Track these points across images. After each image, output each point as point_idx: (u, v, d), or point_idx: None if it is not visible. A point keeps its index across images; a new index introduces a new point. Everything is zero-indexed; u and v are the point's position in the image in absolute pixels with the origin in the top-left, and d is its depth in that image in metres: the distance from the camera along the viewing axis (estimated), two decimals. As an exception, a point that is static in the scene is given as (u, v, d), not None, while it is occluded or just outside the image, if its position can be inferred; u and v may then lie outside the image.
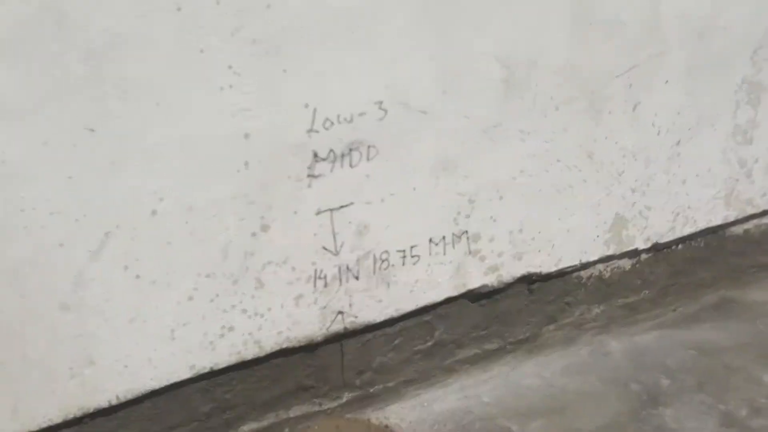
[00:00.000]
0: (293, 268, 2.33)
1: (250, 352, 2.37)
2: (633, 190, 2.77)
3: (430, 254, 2.54)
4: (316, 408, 2.59)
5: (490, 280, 2.68)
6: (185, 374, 2.28)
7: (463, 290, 2.66)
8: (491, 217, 2.58)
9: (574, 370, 2.83)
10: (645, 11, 2.53)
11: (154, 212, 2.05)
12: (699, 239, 2.99)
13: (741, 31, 2.71)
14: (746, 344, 2.89)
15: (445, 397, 2.73)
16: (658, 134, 2.72)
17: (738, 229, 3.05)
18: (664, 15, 2.57)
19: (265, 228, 2.24)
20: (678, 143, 2.76)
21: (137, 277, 2.09)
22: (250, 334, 2.35)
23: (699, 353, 2.86)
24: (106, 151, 1.92)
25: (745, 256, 3.08)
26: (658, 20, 2.57)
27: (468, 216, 2.54)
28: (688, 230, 2.93)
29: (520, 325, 2.82)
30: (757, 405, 2.63)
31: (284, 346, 2.42)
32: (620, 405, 2.69)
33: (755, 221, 3.05)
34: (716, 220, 2.96)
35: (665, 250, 2.95)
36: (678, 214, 2.88)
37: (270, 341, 2.39)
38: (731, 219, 2.99)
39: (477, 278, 2.66)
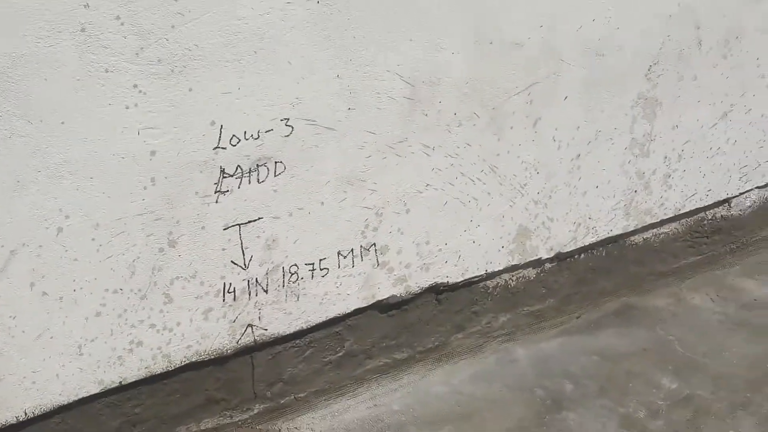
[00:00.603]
0: (202, 283, 2.38)
1: (159, 367, 2.41)
2: (536, 202, 2.87)
3: (338, 267, 2.61)
4: (227, 420, 2.62)
5: (399, 290, 2.76)
6: (94, 389, 2.31)
7: (372, 301, 2.73)
8: (398, 230, 2.66)
9: (482, 378, 2.91)
10: (543, 31, 2.65)
11: (60, 230, 2.09)
12: (601, 249, 3.11)
13: (635, 49, 2.84)
14: (646, 349, 3.01)
15: (356, 407, 2.79)
16: (559, 148, 2.83)
17: (638, 239, 3.18)
18: (561, 35, 2.68)
19: (172, 243, 2.28)
20: (578, 157, 2.88)
21: (44, 294, 2.12)
22: (158, 348, 2.38)
23: (601, 359, 2.97)
24: (10, 169, 1.95)
25: (644, 265, 3.20)
26: (556, 39, 2.68)
27: (375, 229, 2.62)
28: (589, 240, 3.04)
29: (428, 335, 2.90)
30: (656, 407, 2.75)
31: (194, 359, 2.46)
32: (525, 410, 2.78)
33: (654, 230, 3.19)
34: (616, 230, 3.09)
35: (568, 259, 3.06)
36: (579, 224, 3.00)
37: (179, 355, 2.43)
38: (631, 229, 3.11)
39: (386, 289, 2.73)
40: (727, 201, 3.30)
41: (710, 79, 3.03)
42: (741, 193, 3.29)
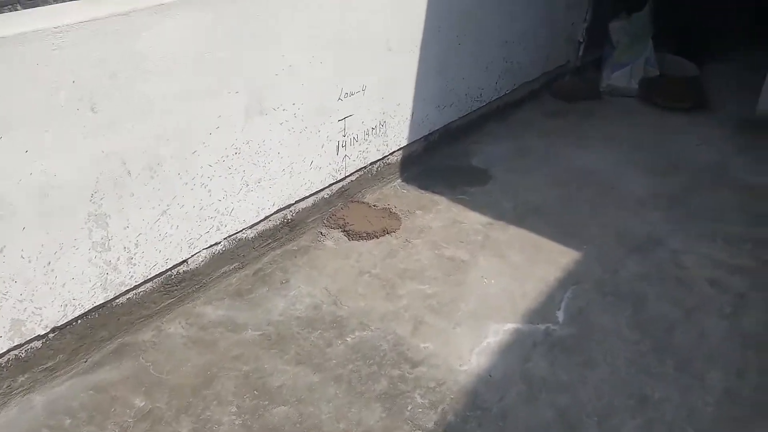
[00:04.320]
0: None
1: None
2: (20, 301, 2.64)
3: None
4: None
5: None
6: None
7: None
8: None
9: (7, 427, 2.65)
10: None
11: None
12: (93, 313, 2.91)
13: (78, 185, 2.66)
14: (129, 376, 2.88)
15: None
16: (29, 262, 2.60)
17: (122, 299, 3.02)
18: (8, 187, 2.42)
19: None
20: (49, 263, 2.68)
21: None
22: None
23: (95, 392, 2.81)
24: None
25: (132, 314, 3.06)
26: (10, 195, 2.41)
27: None
28: (78, 312, 2.86)
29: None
30: (126, 426, 2.63)
31: None
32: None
33: (131, 293, 3.05)
34: (100, 300, 2.93)
35: (67, 326, 2.83)
36: (66, 305, 2.80)
37: None
38: (110, 297, 2.95)
39: None
40: (185, 261, 3.21)
41: (149, 192, 2.90)
42: (192, 255, 3.21)
